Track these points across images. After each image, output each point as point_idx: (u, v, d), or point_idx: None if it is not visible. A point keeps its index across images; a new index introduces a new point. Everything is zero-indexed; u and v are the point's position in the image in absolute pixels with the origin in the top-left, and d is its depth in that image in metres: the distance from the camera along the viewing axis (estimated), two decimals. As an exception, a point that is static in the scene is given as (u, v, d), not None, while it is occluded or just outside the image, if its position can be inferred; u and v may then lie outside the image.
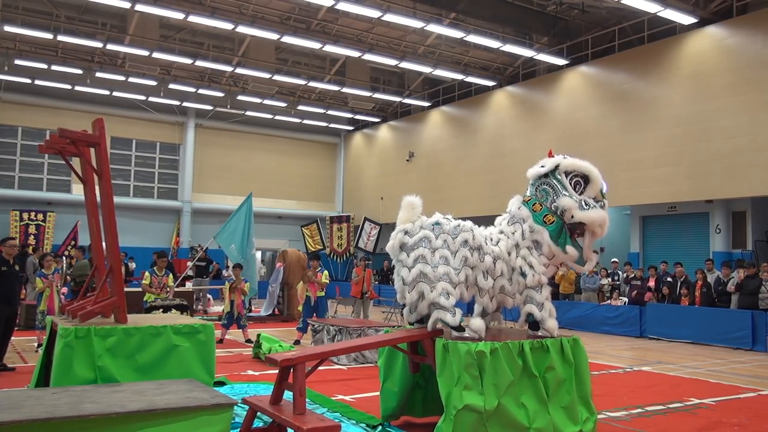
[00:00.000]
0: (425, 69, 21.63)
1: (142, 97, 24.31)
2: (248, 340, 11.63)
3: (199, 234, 25.11)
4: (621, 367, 10.20)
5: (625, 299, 15.79)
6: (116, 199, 7.43)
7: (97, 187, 6.79)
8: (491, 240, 5.88)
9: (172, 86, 23.26)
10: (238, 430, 5.11)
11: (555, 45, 19.49)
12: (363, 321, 12.36)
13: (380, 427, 5.92)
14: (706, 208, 17.28)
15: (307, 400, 5.13)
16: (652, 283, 15.30)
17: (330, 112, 27.06)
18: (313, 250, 24.64)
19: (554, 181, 5.88)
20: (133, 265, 20.21)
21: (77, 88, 22.92)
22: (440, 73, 21.74)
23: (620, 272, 16.83)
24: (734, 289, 13.39)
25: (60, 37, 19.16)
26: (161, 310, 10.64)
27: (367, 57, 20.79)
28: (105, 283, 6.70)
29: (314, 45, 19.63)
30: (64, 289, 12.68)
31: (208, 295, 18.66)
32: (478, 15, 18.11)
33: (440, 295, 5.42)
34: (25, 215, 22.69)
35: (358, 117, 28.31)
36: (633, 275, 16.01)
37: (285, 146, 28.61)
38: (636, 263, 17.93)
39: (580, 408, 5.58)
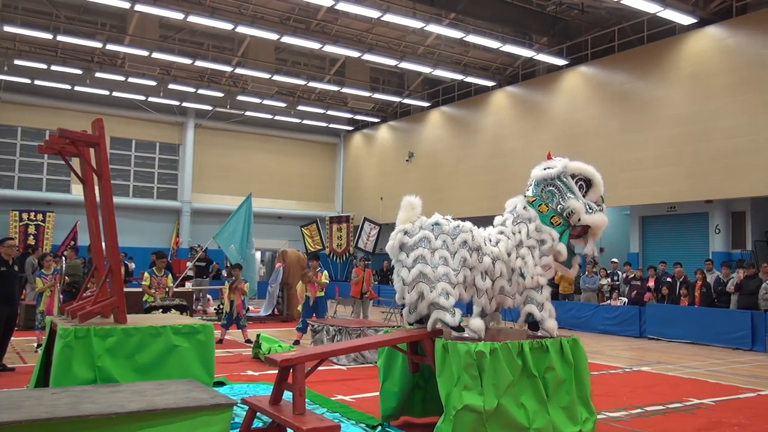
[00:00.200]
0: (425, 69, 21.63)
1: (142, 98, 24.31)
2: (248, 341, 11.63)
3: (198, 234, 25.11)
4: (620, 368, 10.21)
5: (625, 299, 15.79)
6: (116, 200, 7.42)
7: (96, 188, 6.79)
8: (490, 241, 5.89)
9: (171, 86, 23.26)
10: (238, 430, 5.11)
11: (555, 45, 19.49)
12: (362, 321, 12.35)
13: (380, 428, 5.92)
14: (705, 208, 17.29)
15: (306, 400, 5.14)
16: (651, 284, 15.30)
17: (330, 113, 27.06)
18: (313, 250, 24.62)
19: (560, 183, 5.97)
20: (132, 266, 20.20)
21: (77, 88, 22.92)
22: (440, 73, 21.74)
23: (620, 272, 16.83)
24: (734, 290, 13.40)
25: (59, 37, 19.15)
26: (161, 310, 10.65)
27: (367, 57, 20.79)
28: (104, 283, 6.69)
29: (314, 45, 19.63)
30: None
31: (208, 296, 18.66)
32: (478, 15, 18.11)
33: (440, 295, 5.42)
34: (25, 215, 22.68)
35: (357, 117, 28.32)
36: (632, 275, 16.02)
37: (284, 146, 28.62)
38: (635, 263, 17.93)
39: (579, 408, 5.59)
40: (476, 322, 5.56)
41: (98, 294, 6.66)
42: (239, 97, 24.77)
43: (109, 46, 19.96)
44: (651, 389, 8.31)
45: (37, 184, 23.97)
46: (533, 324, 5.88)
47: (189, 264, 18.86)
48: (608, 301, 16.12)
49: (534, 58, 19.99)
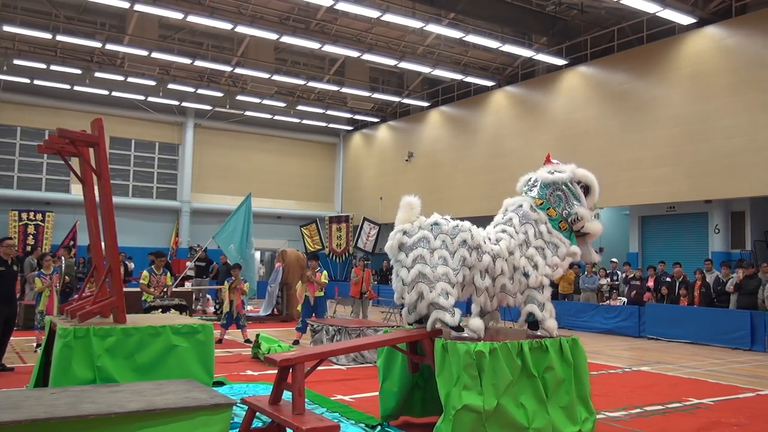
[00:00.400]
0: (424, 69, 21.63)
1: (141, 97, 24.31)
2: (247, 340, 11.63)
3: (198, 234, 25.11)
4: (620, 367, 10.21)
5: (624, 299, 15.80)
6: (115, 199, 7.42)
7: (96, 187, 6.78)
8: (490, 239, 5.89)
9: (171, 86, 23.25)
10: (237, 430, 5.11)
11: (554, 45, 19.49)
12: (362, 321, 12.35)
13: (379, 427, 5.92)
14: (705, 208, 17.29)
15: (306, 400, 5.14)
16: (651, 283, 15.30)
17: (329, 112, 27.06)
18: (312, 250, 24.63)
19: (567, 189, 6.11)
20: (132, 266, 20.19)
21: (76, 88, 22.91)
22: (439, 73, 21.74)
23: (619, 272, 16.84)
24: (733, 289, 13.40)
25: (59, 37, 19.14)
26: (160, 310, 10.66)
27: (367, 57, 20.79)
28: (104, 283, 6.69)
29: (313, 45, 19.63)
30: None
31: (208, 296, 18.65)
32: (477, 15, 18.11)
33: (439, 295, 5.42)
34: (24, 215, 22.67)
35: (357, 117, 28.31)
36: (632, 275, 16.02)
37: (284, 146, 28.61)
38: (635, 263, 17.93)
39: (579, 408, 5.59)
40: (476, 322, 5.56)
41: (98, 294, 6.66)
42: (239, 97, 24.77)
43: (109, 46, 19.95)
44: (650, 389, 8.31)
45: (36, 184, 23.96)
46: (533, 323, 5.88)
47: (189, 264, 18.85)
48: (608, 301, 16.13)
49: (533, 58, 20.00)
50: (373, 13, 16.75)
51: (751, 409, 7.20)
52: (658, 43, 17.04)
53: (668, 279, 14.93)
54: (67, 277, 13.07)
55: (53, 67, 21.30)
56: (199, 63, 21.15)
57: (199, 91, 23.89)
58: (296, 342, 11.69)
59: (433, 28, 18.07)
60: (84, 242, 18.82)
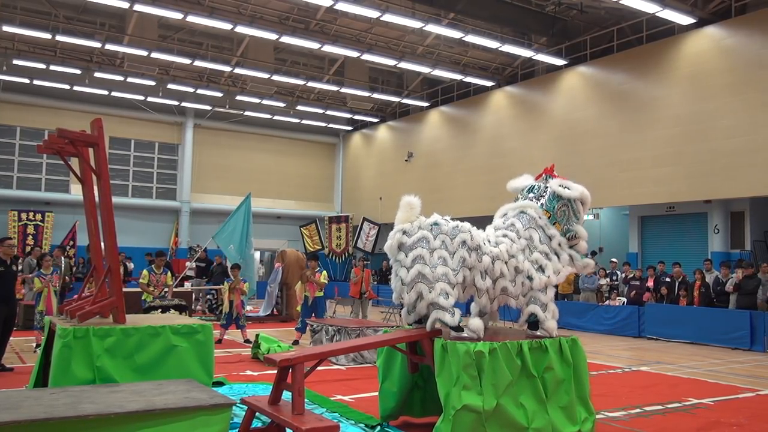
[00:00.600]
0: (424, 69, 21.62)
1: (141, 97, 24.29)
2: (247, 341, 11.64)
3: (197, 234, 25.11)
4: (619, 367, 10.21)
5: (624, 299, 15.81)
6: (115, 199, 7.41)
7: (95, 187, 6.78)
8: (489, 241, 5.90)
9: (170, 86, 23.24)
10: (237, 430, 5.11)
11: (554, 45, 19.49)
12: (362, 321, 12.36)
13: (379, 428, 5.93)
14: (704, 208, 17.29)
15: (305, 400, 5.14)
16: (650, 284, 15.31)
17: (329, 112, 27.05)
18: (312, 250, 24.63)
19: (571, 206, 6.24)
20: (131, 266, 20.18)
21: (76, 88, 22.89)
22: (439, 73, 21.73)
23: (619, 272, 16.84)
24: (733, 289, 13.41)
25: (58, 37, 19.13)
26: (160, 310, 10.66)
27: (366, 57, 20.79)
28: (103, 283, 6.69)
29: (313, 45, 19.62)
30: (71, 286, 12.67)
31: (207, 296, 18.64)
32: (477, 15, 18.10)
33: (439, 295, 5.42)
34: (24, 215, 22.65)
35: (356, 117, 28.31)
36: (631, 275, 16.03)
37: (284, 146, 28.60)
38: (635, 263, 17.93)
39: (578, 408, 5.59)
40: (475, 322, 5.57)
41: (97, 294, 6.66)
42: (238, 97, 24.75)
43: (108, 46, 19.94)
44: (650, 389, 8.32)
45: (36, 184, 23.95)
46: (533, 324, 5.89)
47: (188, 264, 18.85)
48: (607, 301, 16.13)
49: (533, 58, 20.00)
50: (372, 13, 16.75)
51: (750, 409, 7.21)
52: (658, 43, 17.04)
53: (668, 279, 14.94)
54: (66, 277, 13.10)
55: (53, 67, 21.29)
56: (198, 63, 21.14)
57: (199, 91, 23.88)
58: (296, 342, 11.69)
59: (433, 28, 18.07)
60: (84, 242, 18.81)
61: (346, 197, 29.65)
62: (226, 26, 18.05)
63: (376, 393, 6.21)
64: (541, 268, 5.94)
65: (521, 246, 5.95)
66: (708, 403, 7.49)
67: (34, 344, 10.47)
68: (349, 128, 29.61)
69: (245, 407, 5.29)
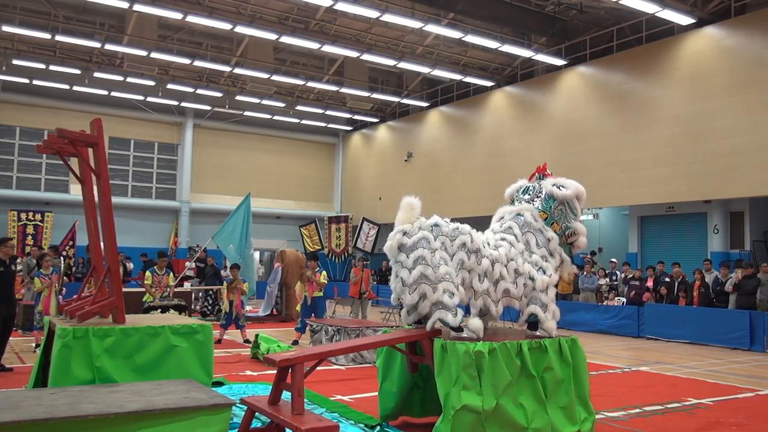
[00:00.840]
0: (424, 69, 21.62)
1: (141, 97, 24.29)
2: (246, 341, 11.63)
3: (197, 234, 25.10)
4: (619, 368, 10.21)
5: (624, 299, 15.80)
6: (114, 199, 7.41)
7: (95, 188, 6.78)
8: (489, 245, 5.91)
9: (170, 86, 23.24)
10: (237, 430, 5.11)
11: (553, 45, 19.50)
12: (361, 321, 12.36)
13: (378, 428, 5.92)
14: (704, 208, 17.29)
15: (305, 400, 5.14)
16: (650, 284, 15.31)
17: (328, 112, 27.05)
18: (312, 250, 24.62)
19: (568, 204, 6.23)
20: (131, 266, 20.17)
21: (75, 88, 22.89)
22: (439, 73, 21.73)
23: (618, 272, 16.83)
24: (732, 290, 13.41)
25: (58, 37, 19.12)
26: (159, 310, 10.65)
27: (366, 57, 20.78)
28: (103, 283, 6.69)
29: (312, 45, 19.62)
30: (64, 289, 12.65)
31: (203, 300, 18.57)
32: (477, 15, 18.10)
33: (444, 293, 5.41)
34: (23, 215, 22.64)
35: (356, 117, 28.30)
36: (631, 275, 16.03)
37: (283, 146, 28.60)
38: (634, 263, 17.93)
39: (578, 408, 5.59)
40: (475, 322, 5.56)
41: (97, 294, 6.66)
42: (238, 97, 24.75)
43: (108, 46, 19.93)
44: (649, 389, 8.32)
45: (35, 184, 23.94)
46: (533, 324, 5.89)
47: (188, 264, 18.83)
48: (607, 301, 16.13)
49: (533, 58, 20.00)
50: (372, 13, 16.74)
51: (750, 409, 7.21)
52: (658, 44, 17.05)
53: (667, 279, 14.94)
54: (66, 277, 13.10)
55: (52, 67, 21.28)
56: (198, 63, 21.13)
57: (199, 91, 23.88)
58: (295, 342, 11.68)
59: (433, 28, 18.07)
60: (83, 242, 18.81)
61: (346, 197, 29.65)
62: (226, 26, 18.05)
63: (376, 393, 6.21)
64: (542, 269, 5.95)
65: (519, 250, 5.96)
66: (707, 403, 7.49)
67: (34, 344, 10.47)
68: (349, 128, 29.61)
69: (245, 407, 5.29)
